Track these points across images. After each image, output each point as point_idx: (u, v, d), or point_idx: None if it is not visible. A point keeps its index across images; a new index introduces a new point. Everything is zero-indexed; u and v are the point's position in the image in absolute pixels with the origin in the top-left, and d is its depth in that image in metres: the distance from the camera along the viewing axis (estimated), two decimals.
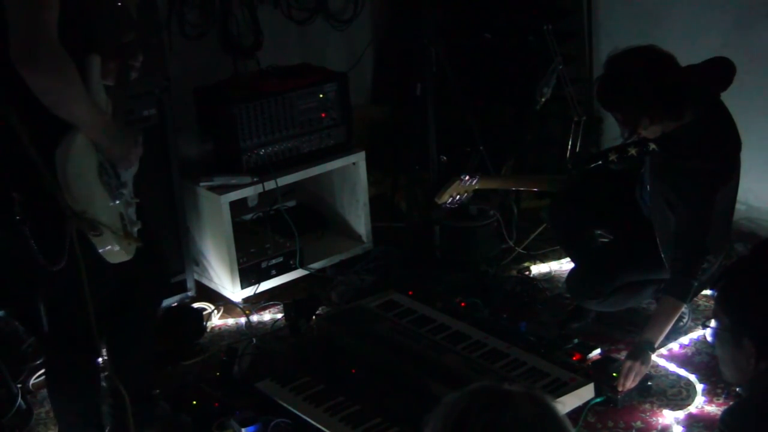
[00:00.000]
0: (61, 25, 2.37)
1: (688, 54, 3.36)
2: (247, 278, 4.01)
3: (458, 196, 3.65)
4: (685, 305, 3.29)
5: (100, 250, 2.49)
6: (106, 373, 2.97)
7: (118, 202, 2.57)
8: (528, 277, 4.07)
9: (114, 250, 2.51)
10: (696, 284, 3.19)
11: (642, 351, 3.16)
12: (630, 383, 3.12)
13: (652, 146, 3.23)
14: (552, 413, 1.55)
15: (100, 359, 2.89)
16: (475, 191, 3.74)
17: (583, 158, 3.75)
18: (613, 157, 3.39)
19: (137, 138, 2.67)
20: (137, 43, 2.70)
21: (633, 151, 3.32)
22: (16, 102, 2.37)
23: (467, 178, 3.62)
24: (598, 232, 3.79)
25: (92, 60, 2.53)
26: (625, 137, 3.24)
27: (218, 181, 3.93)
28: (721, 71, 3.30)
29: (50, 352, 2.83)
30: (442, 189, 3.68)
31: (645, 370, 3.15)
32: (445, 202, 3.68)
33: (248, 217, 4.43)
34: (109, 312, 2.84)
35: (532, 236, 4.19)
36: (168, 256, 3.70)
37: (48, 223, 2.41)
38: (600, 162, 3.47)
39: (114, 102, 2.63)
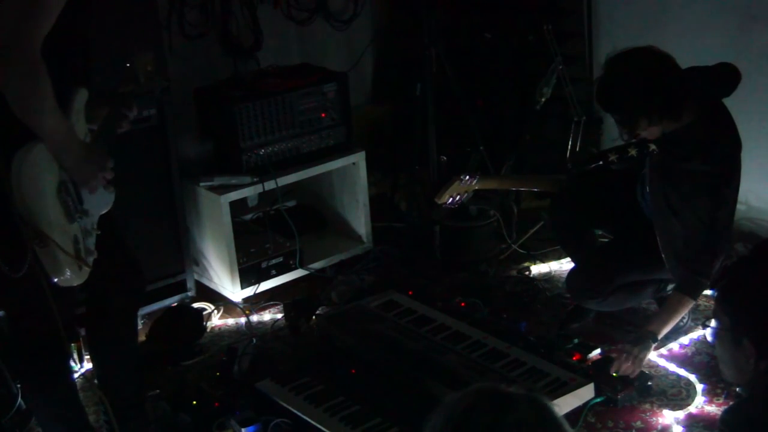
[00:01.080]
0: (60, 47, 2.36)
1: (689, 54, 3.36)
2: (247, 278, 4.01)
3: (458, 196, 3.65)
4: (695, 303, 3.30)
5: (45, 264, 2.43)
6: (94, 381, 2.98)
7: (74, 224, 2.52)
8: (528, 277, 4.07)
9: (60, 268, 2.45)
10: (707, 283, 3.20)
11: (643, 339, 3.18)
12: (623, 367, 3.13)
13: (652, 147, 3.23)
14: (552, 416, 1.56)
15: (85, 364, 2.87)
16: (475, 191, 3.74)
17: (583, 158, 3.75)
18: (613, 157, 3.39)
19: (108, 167, 2.60)
20: (134, 95, 2.70)
21: (633, 152, 3.31)
22: None
23: (467, 178, 3.62)
24: (599, 231, 3.79)
25: (79, 91, 2.54)
26: (624, 139, 3.24)
27: (218, 181, 3.93)
28: (726, 77, 3.29)
29: (20, 360, 2.80)
30: (441, 189, 3.69)
31: (642, 358, 3.16)
32: (445, 202, 3.67)
33: (248, 217, 4.43)
34: (87, 321, 2.85)
35: (529, 233, 4.19)
36: (154, 259, 3.71)
37: (9, 231, 2.38)
38: (600, 162, 3.47)
39: (94, 137, 2.61)
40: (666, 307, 3.31)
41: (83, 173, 2.53)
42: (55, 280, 2.46)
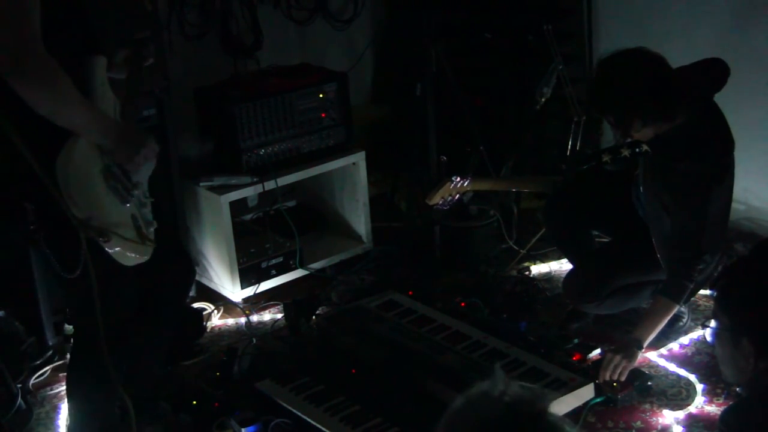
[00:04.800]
0: (59, 25, 2.35)
1: (687, 53, 3.36)
2: (247, 278, 4.01)
3: (450, 198, 3.64)
4: (679, 306, 3.29)
5: (113, 255, 2.46)
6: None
7: (128, 204, 2.54)
8: (528, 277, 4.07)
9: (127, 254, 2.49)
10: (691, 286, 3.19)
11: (627, 347, 3.18)
12: (608, 375, 3.13)
13: (645, 147, 3.22)
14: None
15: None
16: (475, 192, 3.73)
17: (577, 159, 3.75)
18: (606, 158, 3.39)
19: (146, 139, 2.60)
20: (150, 40, 2.69)
21: (626, 153, 3.31)
22: (13, 112, 2.32)
23: (458, 179, 3.61)
24: (596, 232, 3.79)
25: (95, 61, 2.51)
26: (617, 140, 3.24)
27: (218, 181, 3.93)
28: (714, 72, 3.29)
29: (75, 353, 2.82)
30: (433, 191, 3.67)
31: (629, 366, 3.16)
32: (437, 204, 3.66)
33: (248, 217, 4.43)
34: (134, 313, 2.84)
35: (536, 238, 4.17)
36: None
37: (62, 231, 2.39)
38: (593, 163, 3.47)
39: (124, 99, 2.60)
40: (650, 312, 3.29)
41: (122, 151, 2.51)
42: (113, 255, 2.46)
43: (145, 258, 2.56)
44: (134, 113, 2.64)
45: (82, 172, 2.41)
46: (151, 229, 2.63)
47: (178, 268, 2.89)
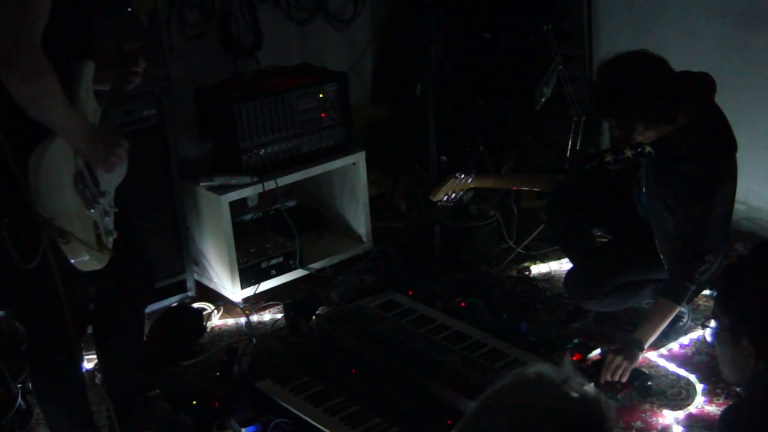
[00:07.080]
0: (56, 27, 2.35)
1: (688, 53, 3.35)
2: (247, 278, 4.01)
3: (453, 194, 3.64)
4: (680, 307, 3.29)
5: (71, 260, 2.48)
6: (100, 376, 2.99)
7: (93, 211, 2.55)
8: (528, 277, 4.07)
9: (83, 260, 2.50)
10: (693, 287, 3.19)
11: (629, 348, 3.18)
12: (609, 376, 3.14)
13: (648, 148, 3.22)
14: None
15: (84, 363, 2.87)
16: (475, 191, 3.72)
17: (580, 158, 3.75)
18: (609, 158, 3.39)
19: (122, 143, 2.63)
20: (141, 50, 2.69)
21: (629, 153, 3.31)
22: None
23: (462, 176, 3.61)
24: (597, 231, 3.79)
25: (85, 65, 2.53)
26: (619, 142, 3.24)
27: (218, 181, 3.93)
28: (705, 85, 3.28)
29: (32, 354, 2.82)
30: (436, 187, 3.67)
31: (630, 367, 3.16)
32: (441, 200, 3.67)
33: (248, 217, 4.43)
34: (95, 316, 2.85)
35: (532, 236, 4.19)
36: (154, 259, 3.70)
37: (24, 221, 2.40)
38: (596, 162, 3.47)
39: (105, 108, 2.62)
40: (651, 313, 3.29)
41: (98, 155, 2.55)
42: (71, 260, 2.48)
43: (100, 266, 2.56)
44: (113, 120, 2.64)
45: (53, 172, 2.43)
46: (110, 239, 2.63)
47: (138, 278, 2.90)
